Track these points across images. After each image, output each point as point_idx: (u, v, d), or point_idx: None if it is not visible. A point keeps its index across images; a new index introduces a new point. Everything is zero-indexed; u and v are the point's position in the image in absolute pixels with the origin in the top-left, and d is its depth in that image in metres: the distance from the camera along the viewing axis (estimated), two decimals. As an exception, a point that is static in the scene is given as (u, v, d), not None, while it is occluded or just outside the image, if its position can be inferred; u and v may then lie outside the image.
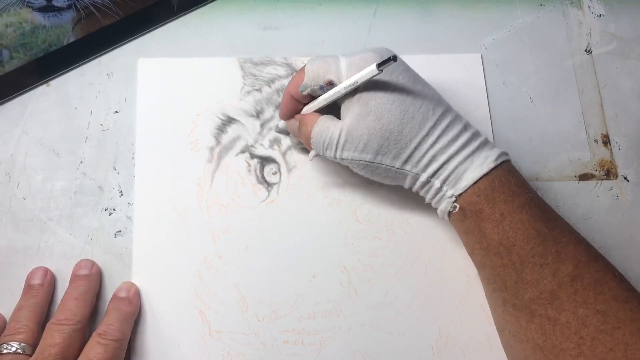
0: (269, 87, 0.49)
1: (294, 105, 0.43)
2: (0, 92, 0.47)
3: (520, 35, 0.53)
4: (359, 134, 0.38)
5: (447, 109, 0.40)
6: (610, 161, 0.49)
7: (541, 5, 0.54)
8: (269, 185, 0.46)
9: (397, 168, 0.39)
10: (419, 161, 0.39)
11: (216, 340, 0.42)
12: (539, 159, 0.49)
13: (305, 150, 0.47)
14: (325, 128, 0.40)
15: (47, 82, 0.48)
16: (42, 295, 0.41)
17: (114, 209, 0.45)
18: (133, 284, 0.43)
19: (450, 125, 0.39)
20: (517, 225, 0.37)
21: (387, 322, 0.44)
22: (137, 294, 0.43)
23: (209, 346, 0.42)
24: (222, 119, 0.48)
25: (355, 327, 0.43)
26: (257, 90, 0.49)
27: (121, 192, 0.46)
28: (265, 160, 0.47)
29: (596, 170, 0.49)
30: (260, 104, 0.48)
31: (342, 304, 0.44)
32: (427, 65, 0.44)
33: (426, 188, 0.40)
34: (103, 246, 0.44)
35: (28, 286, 0.42)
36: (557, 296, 0.35)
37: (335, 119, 0.41)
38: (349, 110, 0.39)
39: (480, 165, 0.38)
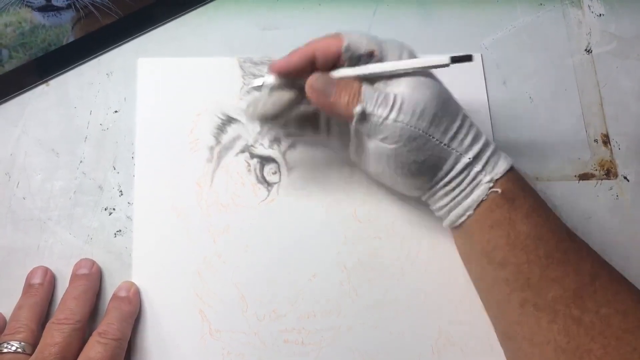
0: (269, 86, 0.49)
1: (306, 65, 0.40)
2: (0, 92, 0.47)
3: (520, 35, 0.53)
4: (415, 99, 0.37)
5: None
6: (610, 161, 0.49)
7: (541, 5, 0.54)
8: (268, 184, 0.46)
9: (445, 144, 0.38)
10: (464, 138, 0.38)
11: (216, 339, 0.42)
12: (539, 159, 0.49)
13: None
14: (375, 89, 0.38)
15: (46, 81, 0.48)
16: (42, 294, 0.41)
17: (114, 209, 0.45)
18: (133, 284, 0.43)
19: (472, 123, 0.40)
20: (544, 218, 0.37)
21: (387, 322, 0.44)
22: (137, 294, 0.43)
23: (208, 345, 0.42)
24: (221, 119, 0.48)
25: (355, 326, 0.43)
26: (257, 90, 0.49)
27: (121, 191, 0.46)
28: (265, 160, 0.47)
29: (596, 170, 0.49)
30: (260, 104, 0.48)
31: (342, 303, 0.44)
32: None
33: (464, 174, 0.38)
34: (103, 246, 0.44)
35: (28, 285, 0.42)
36: (579, 295, 0.35)
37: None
38: (396, 83, 0.38)
39: (506, 157, 0.39)
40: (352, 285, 0.44)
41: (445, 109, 0.38)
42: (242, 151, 0.47)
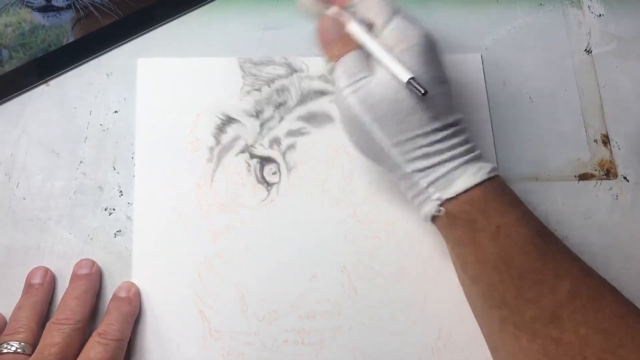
0: (269, 87, 0.49)
1: None
2: (0, 92, 0.47)
3: (520, 35, 0.53)
4: (375, 91, 0.37)
5: (460, 119, 0.39)
6: (610, 161, 0.49)
7: (541, 5, 0.54)
8: (268, 185, 0.46)
9: (387, 145, 0.38)
10: (408, 152, 0.37)
11: (216, 339, 0.42)
12: (539, 159, 0.49)
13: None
14: (357, 64, 0.38)
15: (46, 82, 0.48)
16: (42, 294, 0.41)
17: (114, 209, 0.45)
18: (133, 284, 0.43)
19: (455, 133, 0.38)
20: (515, 239, 0.36)
21: (387, 322, 0.44)
22: (137, 294, 0.43)
23: (208, 346, 0.42)
24: (221, 119, 0.48)
25: (355, 326, 0.43)
26: (256, 90, 0.49)
27: (121, 192, 0.46)
28: (264, 160, 0.47)
29: (596, 170, 0.49)
30: (260, 104, 0.48)
31: (342, 303, 0.44)
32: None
33: (408, 183, 0.38)
34: (103, 246, 0.44)
35: (28, 285, 0.42)
36: (557, 315, 0.34)
37: (365, 63, 0.39)
38: (380, 67, 0.38)
39: (474, 174, 0.37)
40: (352, 285, 0.44)
41: (403, 116, 0.37)
42: (242, 151, 0.47)
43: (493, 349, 0.39)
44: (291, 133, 0.47)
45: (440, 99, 0.38)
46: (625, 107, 0.51)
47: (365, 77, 0.38)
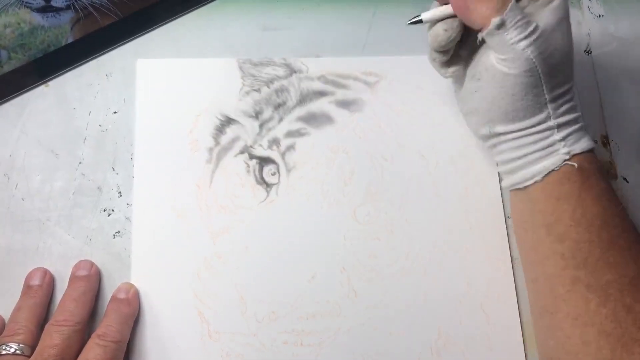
0: (268, 87, 0.49)
1: None
2: (-1, 93, 0.47)
3: (519, 35, 0.53)
4: (553, 38, 0.37)
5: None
6: (610, 162, 0.49)
7: (540, 5, 0.54)
8: (267, 185, 0.46)
9: (546, 99, 0.37)
10: (563, 103, 0.38)
11: (215, 340, 0.42)
12: (538, 159, 0.49)
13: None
14: (522, 14, 0.36)
15: (45, 82, 0.48)
16: (41, 296, 0.41)
17: (113, 210, 0.45)
18: (132, 285, 0.43)
19: (574, 95, 0.39)
20: (614, 203, 0.37)
21: (386, 322, 0.43)
22: (136, 295, 0.42)
23: (208, 347, 0.42)
24: (221, 120, 0.48)
25: (354, 327, 0.43)
26: (256, 90, 0.49)
27: (120, 192, 0.46)
28: (264, 161, 0.47)
29: (596, 170, 0.49)
30: (259, 105, 0.48)
31: (342, 304, 0.44)
32: (427, 65, 0.44)
33: (542, 135, 0.38)
34: (102, 247, 0.44)
35: (27, 287, 0.42)
36: (634, 284, 0.35)
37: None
38: (542, 9, 0.37)
39: (591, 139, 0.39)
40: (352, 286, 0.44)
41: (565, 67, 0.38)
42: (241, 152, 0.47)
43: (550, 312, 0.38)
44: (290, 134, 0.47)
45: (572, 57, 0.39)
46: (625, 107, 0.51)
47: (537, 25, 0.36)
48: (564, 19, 0.38)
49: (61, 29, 0.49)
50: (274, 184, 0.46)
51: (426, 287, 0.44)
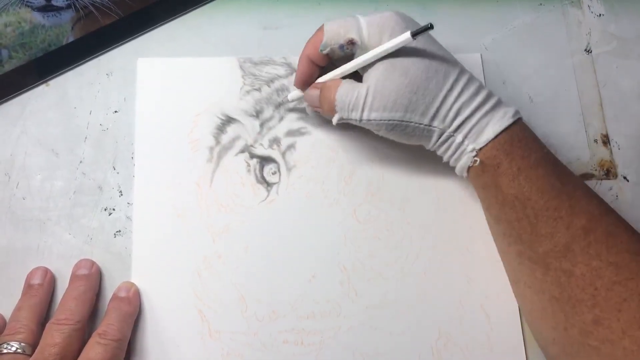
0: (269, 86, 0.49)
1: (311, 70, 0.43)
2: (0, 92, 0.47)
3: (520, 35, 0.53)
4: (387, 91, 0.39)
5: (463, 67, 0.40)
6: (610, 161, 0.49)
7: (541, 5, 0.54)
8: (268, 185, 0.46)
9: (425, 125, 0.40)
10: (445, 116, 0.39)
11: (215, 340, 0.42)
12: (538, 159, 0.49)
13: (321, 119, 0.47)
14: (350, 89, 0.40)
15: (46, 81, 0.48)
16: (42, 295, 0.41)
17: (114, 209, 0.45)
18: (133, 284, 0.43)
19: (469, 81, 0.40)
20: (532, 180, 0.38)
21: (387, 322, 0.44)
22: (137, 294, 0.43)
23: (208, 346, 0.42)
24: (221, 119, 0.48)
25: (355, 327, 0.43)
26: (256, 89, 0.49)
27: (120, 192, 0.46)
28: (264, 160, 0.47)
29: (596, 170, 0.49)
30: (259, 104, 0.48)
31: (342, 304, 0.44)
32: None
33: (448, 144, 0.40)
34: (102, 246, 0.44)
35: (28, 286, 0.42)
36: (570, 249, 0.36)
37: (358, 82, 0.41)
38: (373, 70, 0.40)
39: (500, 119, 0.39)
40: (352, 286, 0.44)
41: (424, 89, 0.39)
42: (242, 151, 0.47)
43: (513, 282, 0.42)
44: (291, 133, 0.47)
45: (439, 55, 0.40)
46: (625, 107, 0.51)
47: (365, 95, 0.39)
48: (393, 65, 0.39)
49: (62, 28, 0.49)
50: (274, 183, 0.46)
51: (426, 287, 0.44)
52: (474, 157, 0.39)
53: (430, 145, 0.41)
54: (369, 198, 0.46)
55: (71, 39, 0.49)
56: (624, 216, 0.48)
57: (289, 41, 0.51)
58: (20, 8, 0.49)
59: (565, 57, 0.52)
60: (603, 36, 0.53)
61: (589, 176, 0.49)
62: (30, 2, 0.49)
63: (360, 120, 0.40)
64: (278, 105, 0.48)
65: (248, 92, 0.49)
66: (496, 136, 0.39)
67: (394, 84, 0.39)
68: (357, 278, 0.44)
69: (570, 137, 0.50)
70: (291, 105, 0.48)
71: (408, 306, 0.44)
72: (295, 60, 0.49)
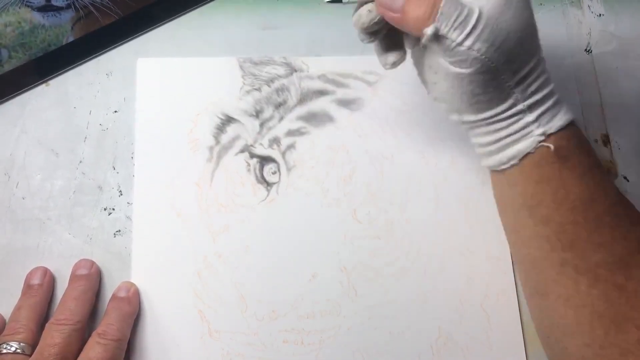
0: (269, 86, 0.49)
1: None
2: (-1, 92, 0.47)
3: (520, 35, 0.53)
4: (499, 25, 0.33)
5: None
6: (610, 161, 0.49)
7: (541, 4, 0.54)
8: (268, 184, 0.46)
9: (509, 85, 0.34)
10: (531, 83, 0.35)
11: (215, 339, 0.42)
12: (538, 159, 0.49)
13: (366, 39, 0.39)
14: (458, 1, 0.33)
15: (46, 81, 0.48)
16: (42, 295, 0.41)
17: (113, 209, 0.45)
18: (132, 284, 0.43)
19: (544, 68, 0.36)
20: (597, 181, 0.35)
21: (386, 322, 0.43)
22: (137, 294, 0.42)
23: (208, 346, 0.42)
24: (221, 119, 0.48)
25: (355, 326, 0.43)
26: (256, 89, 0.49)
27: (120, 191, 0.46)
28: (264, 160, 0.47)
29: (596, 170, 0.49)
30: (259, 104, 0.48)
31: (342, 303, 0.44)
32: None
33: (512, 120, 0.35)
34: (102, 246, 0.44)
35: (27, 286, 0.42)
36: (626, 262, 0.34)
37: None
38: None
39: (567, 111, 0.35)
40: (352, 285, 0.44)
41: (525, 45, 0.34)
42: (242, 151, 0.47)
43: (540, 294, 0.37)
44: (291, 133, 0.47)
45: (534, 28, 0.36)
46: (625, 107, 0.51)
47: (479, 15, 0.32)
48: (505, 1, 0.33)
49: (62, 28, 0.49)
50: (274, 183, 0.46)
51: (426, 287, 0.44)
52: (540, 142, 0.35)
53: (489, 113, 0.35)
54: (369, 198, 0.46)
55: (71, 39, 0.49)
56: (624, 216, 0.47)
57: (289, 41, 0.51)
58: (20, 8, 0.49)
59: (566, 57, 0.52)
60: (603, 36, 0.53)
61: (589, 176, 0.49)
62: (30, 2, 0.49)
63: (461, 44, 0.33)
64: (278, 105, 0.48)
65: (248, 92, 0.49)
66: (567, 126, 0.35)
67: (508, 23, 0.33)
68: (357, 278, 0.44)
69: (570, 137, 0.50)
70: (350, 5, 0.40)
71: (408, 306, 0.44)
72: (295, 60, 0.50)
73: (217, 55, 0.50)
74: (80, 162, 0.46)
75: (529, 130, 0.35)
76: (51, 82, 0.48)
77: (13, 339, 0.38)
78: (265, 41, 0.51)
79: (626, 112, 0.51)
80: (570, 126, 0.35)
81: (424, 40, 0.33)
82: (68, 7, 0.49)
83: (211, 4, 0.52)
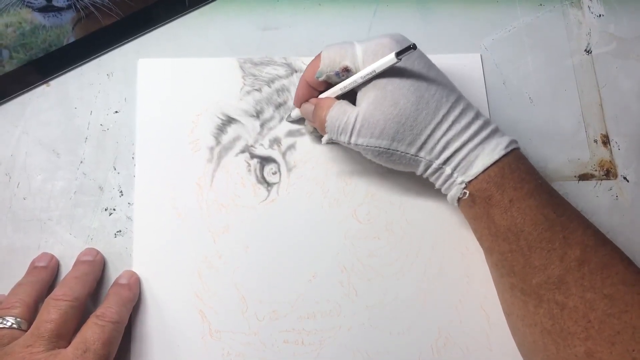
0: (269, 87, 0.49)
1: (309, 92, 0.44)
2: (0, 92, 0.47)
3: (520, 35, 0.53)
4: (375, 119, 0.39)
5: (459, 97, 0.40)
6: (610, 161, 0.50)
7: (541, 5, 0.54)
8: (268, 185, 0.46)
9: (412, 155, 0.40)
10: (432, 148, 0.39)
11: (216, 340, 0.42)
12: (538, 159, 0.49)
13: (317, 140, 0.47)
14: (341, 112, 0.40)
15: (47, 82, 0.48)
16: (44, 275, 0.42)
17: (114, 209, 0.45)
18: (134, 273, 0.43)
19: (462, 112, 0.39)
20: (525, 212, 0.37)
21: (386, 322, 0.44)
22: (137, 282, 0.43)
23: (209, 346, 0.42)
24: (222, 119, 0.48)
25: (355, 326, 0.43)
26: (257, 90, 0.49)
27: (121, 192, 0.46)
28: (265, 160, 0.47)
29: (596, 170, 0.49)
30: (260, 104, 0.48)
31: (342, 303, 0.44)
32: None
33: (437, 174, 0.40)
34: (103, 246, 0.44)
35: (32, 267, 0.42)
36: (564, 281, 0.36)
37: (351, 105, 0.41)
38: (365, 95, 0.40)
39: (491, 152, 0.38)
40: (352, 285, 0.44)
41: (413, 121, 0.39)
42: (242, 151, 0.47)
43: (507, 314, 0.41)
44: (291, 133, 0.48)
45: (433, 86, 0.39)
46: (625, 107, 0.51)
47: (355, 120, 0.39)
48: (384, 94, 0.39)
49: (62, 29, 0.49)
50: (274, 183, 0.46)
51: (426, 287, 0.45)
52: (463, 189, 0.39)
53: (419, 173, 0.41)
54: (369, 198, 0.46)
55: (72, 40, 0.49)
56: (623, 216, 0.48)
57: (289, 41, 0.51)
58: (21, 8, 0.49)
59: (565, 57, 0.52)
60: (603, 36, 0.53)
61: (589, 176, 0.49)
62: (31, 3, 0.49)
63: (348, 143, 0.40)
64: (278, 106, 0.48)
65: (248, 92, 0.49)
66: (486, 169, 0.38)
67: (383, 114, 0.38)
68: (357, 278, 0.44)
69: (570, 137, 0.50)
70: (288, 121, 0.48)
71: (408, 306, 0.44)
72: (295, 61, 0.50)
73: (217, 56, 0.50)
74: (81, 162, 0.46)
75: (452, 181, 0.40)
76: (52, 82, 0.48)
77: (9, 314, 0.38)
78: (266, 41, 0.51)
79: (626, 112, 0.51)
80: (493, 166, 0.38)
81: (323, 142, 0.43)
82: (69, 7, 0.49)
83: (211, 4, 0.52)
